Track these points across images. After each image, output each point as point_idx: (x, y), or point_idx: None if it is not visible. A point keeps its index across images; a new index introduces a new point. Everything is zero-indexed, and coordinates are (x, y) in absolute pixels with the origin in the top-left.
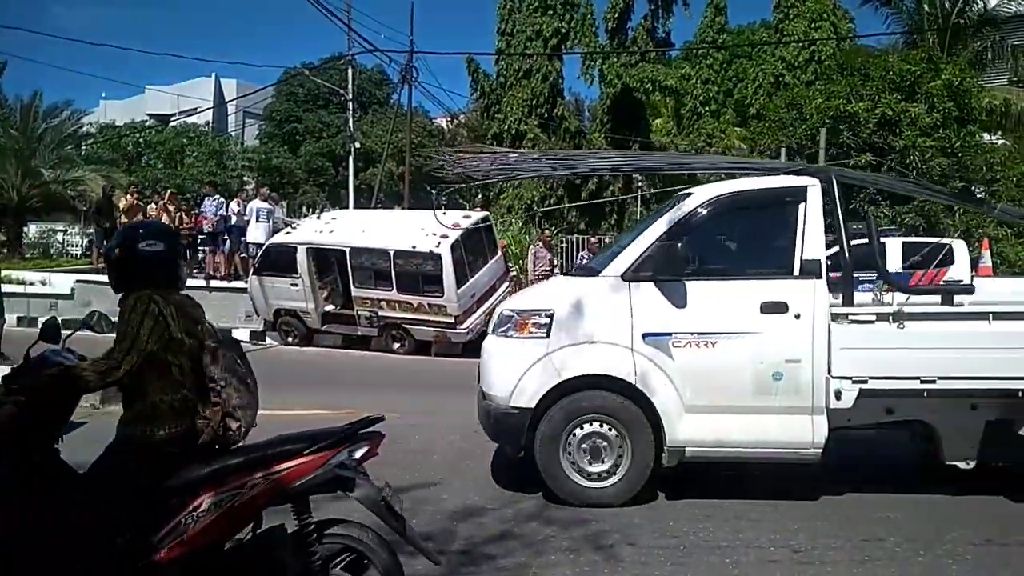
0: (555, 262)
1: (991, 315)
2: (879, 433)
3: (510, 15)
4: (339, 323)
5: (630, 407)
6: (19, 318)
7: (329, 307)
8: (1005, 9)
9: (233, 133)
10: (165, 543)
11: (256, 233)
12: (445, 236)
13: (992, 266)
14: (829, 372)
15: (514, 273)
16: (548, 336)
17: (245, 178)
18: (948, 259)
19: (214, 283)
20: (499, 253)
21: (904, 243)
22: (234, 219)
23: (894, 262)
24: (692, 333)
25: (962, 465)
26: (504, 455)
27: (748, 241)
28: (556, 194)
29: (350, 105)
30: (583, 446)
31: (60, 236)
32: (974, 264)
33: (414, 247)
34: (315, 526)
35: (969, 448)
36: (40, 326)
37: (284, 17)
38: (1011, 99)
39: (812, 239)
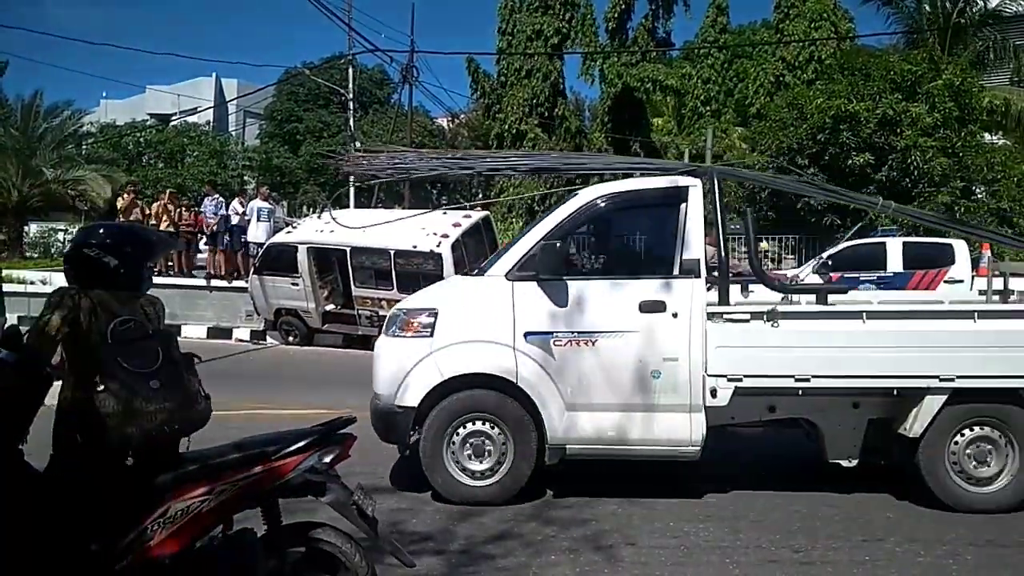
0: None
1: (864, 314)
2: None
3: (511, 15)
4: (340, 322)
5: (512, 405)
6: (19, 317)
7: (330, 306)
8: (1006, 9)
9: (234, 133)
10: (134, 548)
11: (257, 232)
12: (446, 235)
13: None
14: (705, 370)
15: None
16: (432, 335)
17: (246, 178)
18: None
19: (215, 282)
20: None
21: (904, 243)
22: (235, 219)
23: (895, 262)
24: (573, 332)
25: (844, 463)
26: None
27: (631, 241)
28: (557, 194)
29: (351, 105)
30: (467, 444)
31: (61, 235)
32: (974, 264)
33: (415, 247)
34: (284, 530)
35: (851, 447)
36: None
37: (285, 17)
38: (1012, 99)
39: (692, 239)
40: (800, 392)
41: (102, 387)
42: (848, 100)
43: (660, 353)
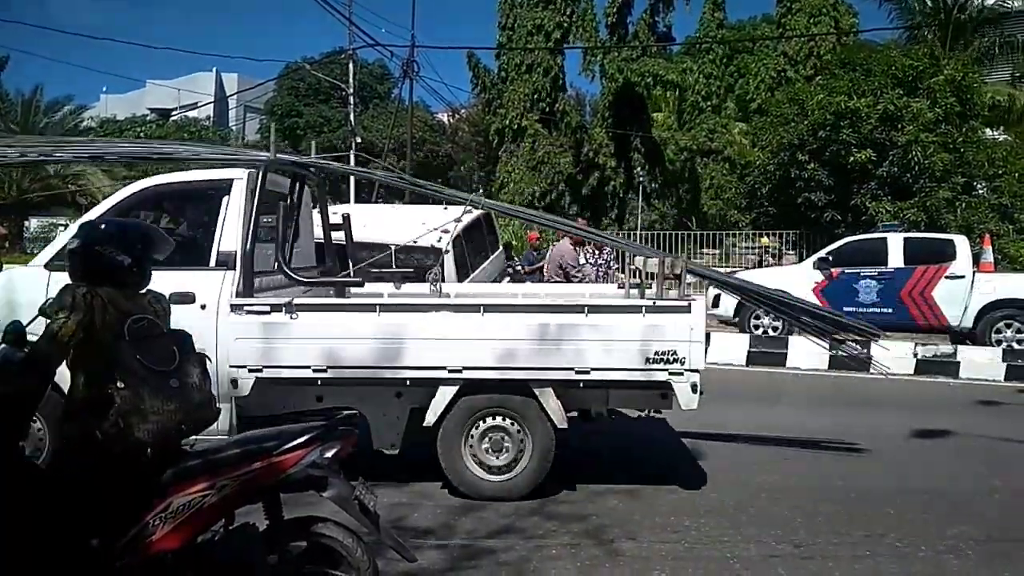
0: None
1: (379, 307)
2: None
3: (511, 10)
4: None
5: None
6: None
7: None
8: (1006, 5)
9: (234, 127)
10: (136, 543)
11: None
12: (447, 231)
13: (994, 262)
14: (228, 361)
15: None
16: None
17: None
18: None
19: None
20: (500, 248)
21: (906, 239)
22: None
23: (895, 258)
24: None
25: (387, 451)
26: None
27: (178, 232)
28: (558, 189)
29: (351, 99)
30: None
31: (61, 230)
32: (976, 260)
33: (415, 242)
34: (286, 524)
35: (395, 435)
36: (2, 332)
37: (285, 11)
38: (1015, 94)
39: (230, 231)
40: (319, 382)
41: (123, 384)
42: (849, 96)
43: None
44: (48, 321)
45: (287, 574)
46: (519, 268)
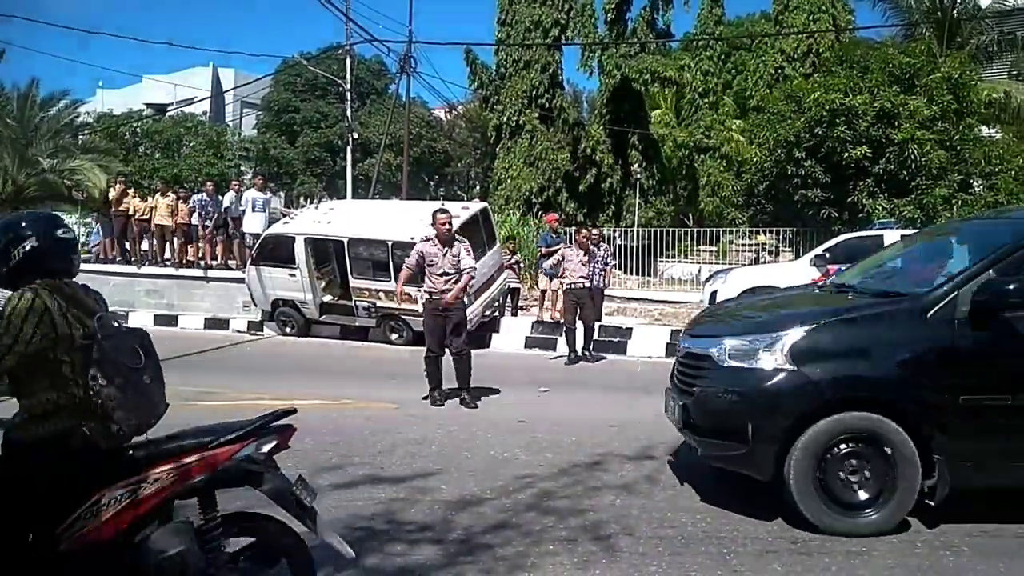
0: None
1: None
2: None
3: (510, 5)
4: (337, 314)
5: None
6: None
7: (327, 298)
8: (1005, 3)
9: (231, 123)
10: (67, 536)
11: (253, 223)
12: None
13: None
14: None
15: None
16: None
17: (243, 168)
18: None
19: (212, 273)
20: (497, 244)
21: (902, 236)
22: (232, 208)
23: None
24: None
25: None
26: (502, 446)
27: None
28: (555, 185)
29: (348, 95)
30: None
31: None
32: None
33: (412, 238)
34: (221, 520)
35: None
36: None
37: (282, 6)
38: (1011, 92)
39: None
40: None
41: (106, 382)
42: (845, 93)
43: None
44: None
45: (222, 570)
46: (518, 266)
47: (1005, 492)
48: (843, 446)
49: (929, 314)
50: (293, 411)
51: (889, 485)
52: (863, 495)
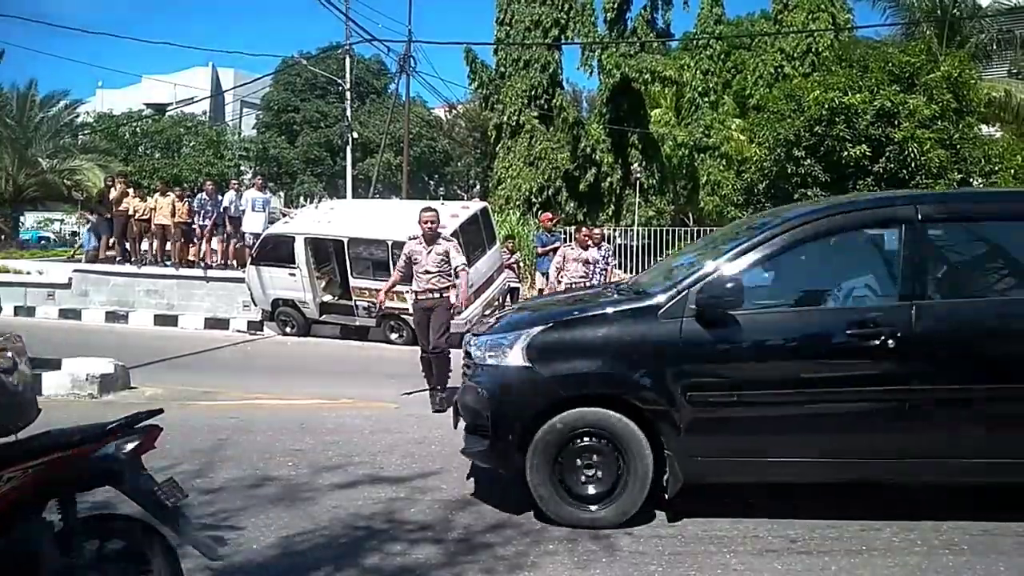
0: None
1: None
2: None
3: (509, 4)
4: (337, 313)
5: None
6: (16, 307)
7: (327, 297)
8: (1004, 2)
9: (230, 122)
10: None
11: (252, 222)
12: (444, 227)
13: None
14: None
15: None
16: None
17: (242, 167)
18: None
19: (212, 273)
20: (497, 243)
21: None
22: (232, 208)
23: None
24: None
25: None
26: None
27: None
28: (555, 184)
29: (348, 95)
30: None
31: (57, 225)
32: None
33: (412, 238)
34: (80, 522)
35: None
36: None
37: (282, 6)
38: (1011, 90)
39: None
40: None
41: None
42: (845, 92)
43: None
44: None
45: (82, 570)
46: (518, 265)
47: (1005, 492)
48: (579, 441)
49: (660, 312)
50: (159, 411)
51: (622, 480)
52: (596, 489)
